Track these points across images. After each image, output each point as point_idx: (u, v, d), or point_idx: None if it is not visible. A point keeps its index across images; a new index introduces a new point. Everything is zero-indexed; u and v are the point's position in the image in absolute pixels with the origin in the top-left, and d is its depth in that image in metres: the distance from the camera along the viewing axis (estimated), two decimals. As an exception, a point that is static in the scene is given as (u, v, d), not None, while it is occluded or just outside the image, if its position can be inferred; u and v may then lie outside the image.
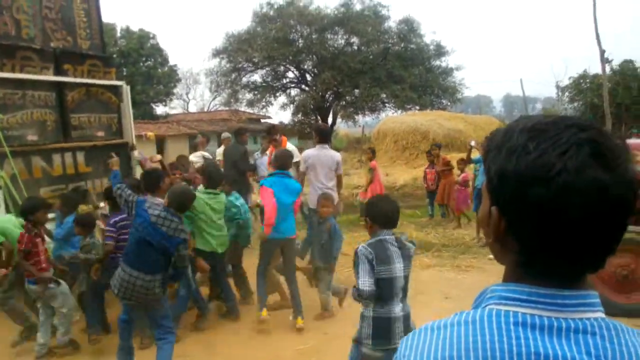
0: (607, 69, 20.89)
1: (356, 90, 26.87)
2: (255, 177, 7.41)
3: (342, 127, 39.10)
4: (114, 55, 34.41)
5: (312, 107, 27.70)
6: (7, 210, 4.89)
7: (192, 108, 54.90)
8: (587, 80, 22.84)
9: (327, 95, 28.11)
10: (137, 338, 4.27)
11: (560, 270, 0.72)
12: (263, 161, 7.13)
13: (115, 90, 6.30)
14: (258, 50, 26.06)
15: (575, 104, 23.88)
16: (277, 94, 30.49)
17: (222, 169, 6.48)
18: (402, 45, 27.40)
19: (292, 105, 29.43)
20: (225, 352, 4.28)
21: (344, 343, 4.16)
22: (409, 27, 27.59)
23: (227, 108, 33.09)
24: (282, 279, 5.10)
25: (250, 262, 5.69)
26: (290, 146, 6.27)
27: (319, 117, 28.82)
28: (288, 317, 4.85)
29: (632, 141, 6.75)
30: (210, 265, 4.64)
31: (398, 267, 2.88)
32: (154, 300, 3.63)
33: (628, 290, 4.55)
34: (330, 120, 29.01)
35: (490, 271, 5.90)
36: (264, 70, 29.49)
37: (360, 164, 17.57)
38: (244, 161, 7.18)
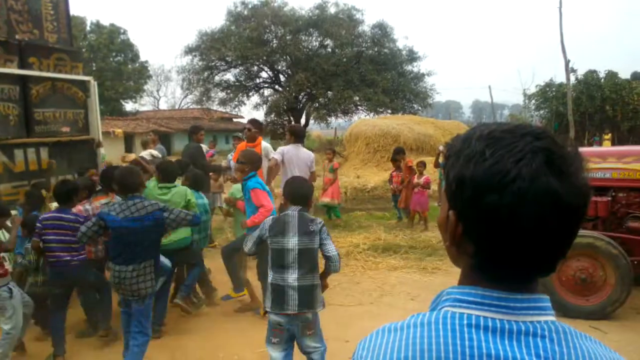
0: (572, 78, 21.58)
1: (329, 92, 26.92)
2: (229, 177, 7.31)
3: (315, 129, 39.17)
4: (83, 50, 33.66)
5: (285, 107, 27.62)
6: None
7: (163, 105, 54.14)
8: (553, 89, 23.51)
9: (300, 97, 28.08)
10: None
11: (512, 274, 0.73)
12: None
13: (83, 85, 6.15)
14: (231, 49, 25.84)
15: (542, 112, 24.54)
16: (250, 94, 30.28)
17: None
18: (376, 49, 27.59)
19: (265, 106, 29.28)
20: (184, 351, 4.23)
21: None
22: (382, 32, 27.82)
23: (199, 106, 32.71)
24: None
25: (217, 263, 5.67)
26: (264, 144, 6.25)
27: (291, 118, 28.76)
28: (252, 318, 4.85)
29: (585, 149, 7.00)
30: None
31: (292, 240, 3.21)
32: (144, 295, 3.66)
33: (587, 293, 4.69)
34: (303, 121, 28.97)
35: (455, 274, 5.87)
36: (237, 70, 29.25)
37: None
38: (198, 159, 6.95)
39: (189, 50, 28.22)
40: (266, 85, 30.49)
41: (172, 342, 4.41)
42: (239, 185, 4.85)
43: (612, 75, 22.46)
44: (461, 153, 0.74)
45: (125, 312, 3.80)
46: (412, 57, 28.86)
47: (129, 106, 41.43)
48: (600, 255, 4.60)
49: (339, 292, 5.63)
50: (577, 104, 21.31)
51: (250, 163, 4.54)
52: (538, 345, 0.70)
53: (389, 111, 26.54)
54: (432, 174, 11.12)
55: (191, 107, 38.61)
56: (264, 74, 30.17)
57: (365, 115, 27.54)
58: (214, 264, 5.91)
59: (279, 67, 29.22)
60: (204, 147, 8.11)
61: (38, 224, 4.06)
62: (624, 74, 23.52)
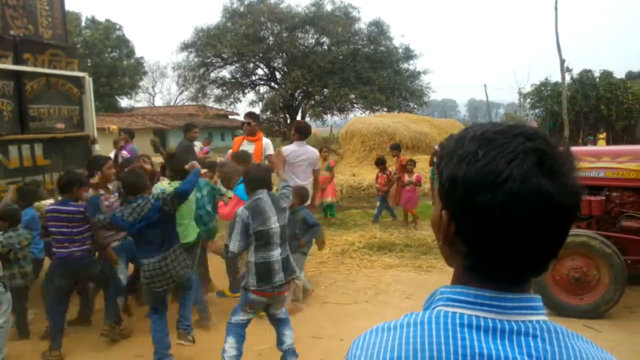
0: (567, 77, 21.66)
1: (325, 90, 26.89)
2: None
3: (311, 126, 39.12)
4: (78, 46, 33.46)
5: (281, 105, 27.57)
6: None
7: (159, 102, 53.96)
8: (548, 88, 23.56)
9: (296, 94, 28.03)
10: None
11: (504, 274, 0.74)
12: None
13: (78, 81, 6.10)
14: (227, 46, 25.75)
15: (537, 110, 24.60)
16: (246, 91, 30.20)
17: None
18: (372, 47, 27.56)
19: (260, 103, 29.20)
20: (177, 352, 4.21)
21: (305, 344, 4.20)
22: (378, 30, 27.80)
23: (194, 103, 32.60)
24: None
25: (212, 261, 5.66)
26: (265, 140, 6.16)
27: (287, 115, 28.73)
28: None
29: (579, 148, 7.04)
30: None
31: (273, 219, 3.41)
32: (188, 277, 3.97)
33: (581, 292, 4.71)
34: (299, 118, 28.95)
35: (450, 272, 5.97)
36: (233, 66, 29.15)
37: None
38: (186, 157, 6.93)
39: (185, 47, 28.11)
40: (262, 82, 30.42)
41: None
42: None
43: (607, 74, 22.54)
44: (454, 153, 0.75)
45: (157, 313, 3.88)
46: (408, 55, 28.87)
47: (124, 102, 41.31)
48: (594, 255, 4.62)
49: (334, 290, 5.64)
50: (572, 103, 21.37)
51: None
52: (530, 344, 0.71)
53: (385, 109, 26.54)
54: (425, 173, 11.16)
55: (187, 103, 38.50)
56: (259, 71, 30.12)
57: (361, 113, 27.54)
58: (210, 261, 5.89)
59: (275, 64, 29.16)
60: (199, 144, 8.08)
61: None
62: (619, 74, 23.65)
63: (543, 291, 4.69)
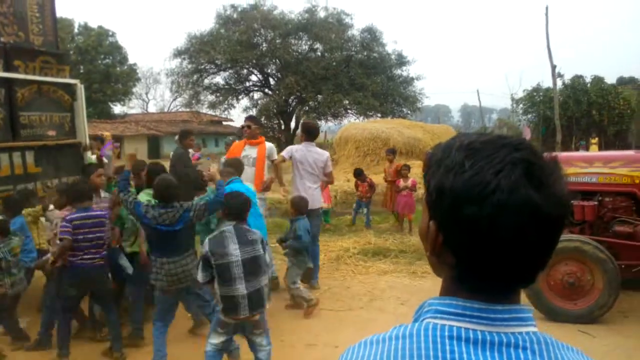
0: (559, 83, 21.86)
1: (319, 96, 26.98)
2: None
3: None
4: (71, 52, 33.36)
5: (275, 111, 27.61)
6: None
7: (152, 108, 53.87)
8: (540, 94, 23.77)
9: (290, 100, 28.09)
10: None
11: (492, 285, 0.74)
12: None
13: (69, 88, 6.06)
14: (221, 53, 25.80)
15: (529, 116, 24.79)
16: (240, 97, 30.25)
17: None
18: (365, 53, 27.71)
19: (254, 109, 29.22)
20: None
21: (299, 352, 4.17)
22: (371, 36, 27.96)
23: (188, 109, 32.56)
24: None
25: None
26: (269, 145, 6.01)
27: (282, 121, 28.77)
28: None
29: (572, 154, 7.08)
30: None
31: (234, 253, 3.30)
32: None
33: (575, 297, 4.72)
34: (293, 124, 28.99)
35: (445, 278, 6.01)
36: (227, 73, 29.20)
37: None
38: (179, 166, 6.64)
39: (178, 53, 28.12)
40: (256, 88, 30.47)
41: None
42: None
43: (598, 80, 22.79)
44: (441, 163, 0.74)
45: (162, 321, 3.86)
46: (401, 61, 29.04)
47: (117, 109, 41.20)
48: (587, 260, 4.63)
49: (328, 297, 5.61)
50: (564, 109, 21.56)
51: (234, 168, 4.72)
52: (519, 356, 0.70)
53: (379, 115, 26.65)
54: (419, 178, 11.18)
55: (180, 110, 38.43)
56: (253, 77, 30.18)
57: (355, 119, 27.64)
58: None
59: (269, 71, 29.22)
60: (190, 150, 8.01)
61: (67, 224, 3.94)
62: (610, 79, 23.88)
63: (537, 297, 4.70)
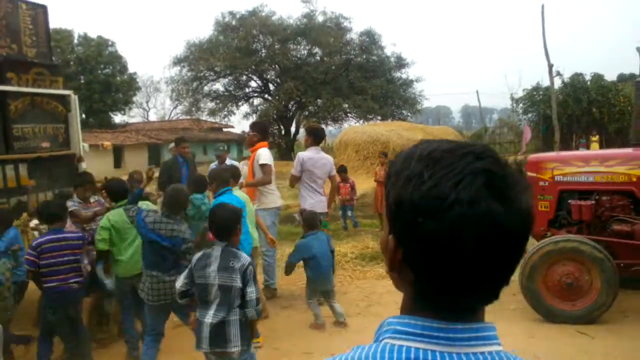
0: (559, 81, 21.79)
1: (319, 100, 27.01)
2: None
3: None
4: (71, 63, 33.53)
5: (275, 116, 27.65)
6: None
7: (153, 117, 53.98)
8: (540, 92, 23.68)
9: (290, 105, 28.14)
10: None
11: (454, 303, 0.70)
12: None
13: (63, 99, 6.06)
14: (220, 59, 25.89)
15: (529, 115, 24.71)
16: (240, 103, 30.35)
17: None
18: (364, 56, 27.77)
19: (254, 115, 29.34)
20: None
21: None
22: (370, 39, 28.02)
23: (188, 117, 32.65)
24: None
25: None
26: (259, 151, 5.73)
27: (282, 127, 28.80)
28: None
29: (568, 153, 7.02)
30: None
31: (212, 275, 3.11)
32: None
33: (573, 298, 4.67)
34: (293, 129, 29.02)
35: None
36: (226, 79, 29.32)
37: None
38: (174, 173, 6.69)
39: (178, 61, 28.25)
40: (255, 94, 30.54)
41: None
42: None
43: (598, 77, 22.70)
44: (401, 173, 0.71)
45: (152, 336, 3.83)
46: (401, 63, 29.09)
47: (118, 118, 41.27)
48: (585, 260, 4.58)
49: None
50: (564, 107, 21.48)
51: (215, 180, 4.66)
52: None
53: (379, 118, 26.66)
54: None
55: (181, 117, 38.48)
56: (253, 84, 30.27)
57: (355, 122, 27.64)
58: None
59: (268, 76, 29.29)
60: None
61: (32, 251, 3.83)
62: (610, 77, 23.81)
63: (536, 298, 4.66)
